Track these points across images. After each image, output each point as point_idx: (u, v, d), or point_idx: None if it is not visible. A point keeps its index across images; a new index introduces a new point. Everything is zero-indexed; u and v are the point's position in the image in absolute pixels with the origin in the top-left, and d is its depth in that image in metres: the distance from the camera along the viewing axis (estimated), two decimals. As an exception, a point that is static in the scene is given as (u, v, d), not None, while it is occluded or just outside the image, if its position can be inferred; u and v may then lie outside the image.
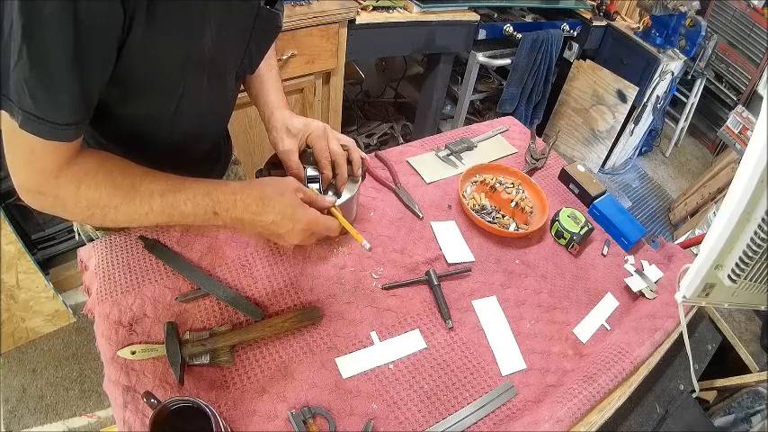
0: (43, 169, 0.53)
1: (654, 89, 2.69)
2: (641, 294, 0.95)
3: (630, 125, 2.82)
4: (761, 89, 3.02)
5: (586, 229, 1.01)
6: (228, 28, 0.65)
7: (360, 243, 0.72)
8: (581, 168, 1.17)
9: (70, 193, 0.56)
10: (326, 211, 0.74)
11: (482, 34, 2.16)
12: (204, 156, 0.89)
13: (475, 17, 2.08)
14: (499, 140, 1.28)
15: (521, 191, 1.07)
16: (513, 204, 1.04)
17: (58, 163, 0.54)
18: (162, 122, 0.71)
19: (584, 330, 0.88)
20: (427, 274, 0.88)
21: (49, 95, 0.48)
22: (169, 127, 0.73)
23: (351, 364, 0.75)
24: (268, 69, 0.86)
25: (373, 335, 0.79)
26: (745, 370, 0.96)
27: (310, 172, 0.79)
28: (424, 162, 1.14)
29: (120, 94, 0.60)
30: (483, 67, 2.35)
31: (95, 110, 0.57)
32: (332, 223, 0.72)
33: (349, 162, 0.82)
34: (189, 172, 0.67)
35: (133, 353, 0.69)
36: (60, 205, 0.57)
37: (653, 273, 0.99)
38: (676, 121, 3.39)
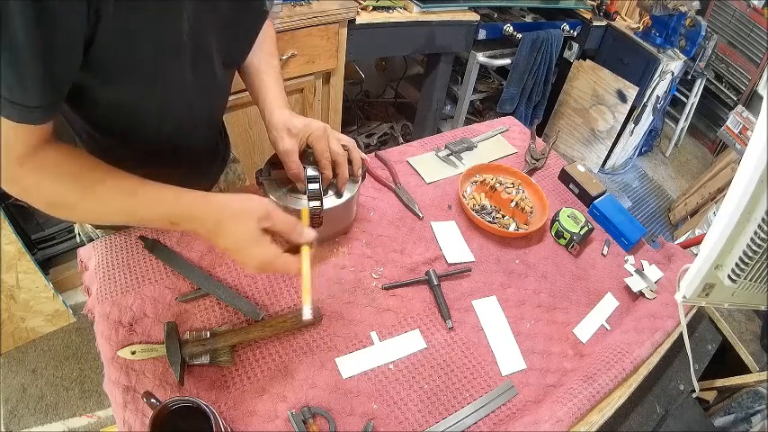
0: (9, 154, 0.53)
1: (654, 89, 2.69)
2: (641, 294, 0.95)
3: (630, 125, 2.82)
4: (761, 89, 3.02)
5: (586, 229, 1.01)
6: (207, 13, 0.64)
7: (303, 307, 0.63)
8: (581, 168, 1.17)
9: (32, 184, 0.56)
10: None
11: (482, 34, 2.16)
12: (201, 153, 0.89)
13: (475, 17, 2.08)
14: (499, 140, 1.28)
15: (521, 191, 1.07)
16: (513, 204, 1.04)
17: (23, 149, 0.54)
18: (149, 111, 0.70)
19: (584, 330, 0.88)
20: (427, 274, 0.88)
21: (18, 79, 0.49)
22: (158, 116, 0.72)
23: (351, 364, 0.75)
24: (269, 68, 0.85)
25: (373, 335, 0.79)
26: (745, 370, 0.96)
27: (310, 172, 0.79)
28: (424, 162, 1.14)
29: (99, 80, 0.60)
30: (483, 67, 2.35)
31: (84, 99, 0.58)
32: (290, 267, 0.64)
33: (349, 162, 0.82)
34: (187, 169, 0.67)
35: (133, 353, 0.69)
36: (26, 196, 0.57)
37: (653, 273, 0.99)
38: (676, 121, 3.39)
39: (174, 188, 0.61)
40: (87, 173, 0.59)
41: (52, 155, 0.57)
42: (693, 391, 0.88)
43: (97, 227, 0.91)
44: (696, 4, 2.51)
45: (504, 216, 1.03)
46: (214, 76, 0.75)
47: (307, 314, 0.63)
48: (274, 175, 0.81)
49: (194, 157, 0.87)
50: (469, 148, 1.22)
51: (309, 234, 0.66)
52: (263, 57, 0.85)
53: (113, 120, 0.70)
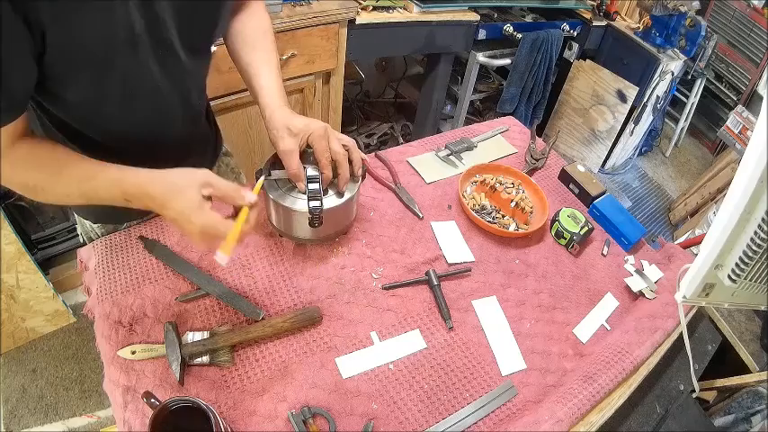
0: None
1: (654, 89, 2.69)
2: (641, 294, 0.95)
3: (630, 125, 2.82)
4: (761, 89, 3.02)
5: (586, 229, 1.01)
6: (157, 3, 0.65)
7: (219, 252, 0.63)
8: (581, 168, 1.17)
9: (8, 174, 0.63)
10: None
11: (482, 34, 2.16)
12: (187, 143, 0.88)
13: (475, 17, 2.08)
14: (499, 140, 1.28)
15: (521, 191, 1.07)
16: (513, 204, 1.04)
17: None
18: (117, 104, 0.71)
19: (584, 330, 0.88)
20: (427, 274, 0.88)
21: None
22: (128, 108, 0.73)
23: (351, 364, 0.75)
24: (268, 67, 0.84)
25: (373, 335, 0.79)
26: (745, 370, 0.97)
27: (310, 172, 0.79)
28: (424, 162, 1.14)
29: (60, 83, 0.63)
30: (483, 67, 2.35)
31: (54, 98, 0.65)
32: (231, 231, 0.64)
33: (349, 162, 0.82)
34: (174, 161, 0.69)
35: (133, 353, 0.69)
36: (7, 183, 0.64)
37: (653, 273, 0.99)
38: (676, 121, 3.39)
39: (127, 168, 0.65)
40: (51, 161, 0.65)
41: (22, 148, 0.63)
42: (693, 391, 0.88)
43: (95, 222, 0.91)
44: (696, 4, 2.51)
45: (504, 216, 1.03)
46: (181, 64, 0.75)
47: (220, 259, 0.63)
48: (274, 175, 0.81)
49: (181, 146, 0.86)
50: (469, 148, 1.22)
51: (250, 197, 0.68)
52: (261, 55, 0.84)
53: (87, 116, 0.71)
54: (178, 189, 0.64)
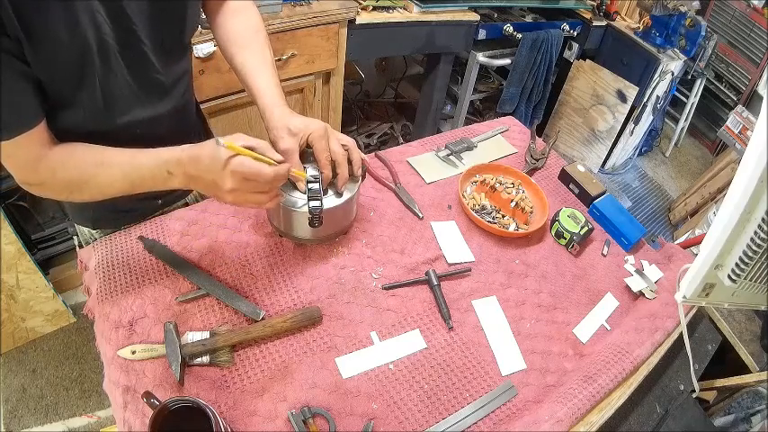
0: (21, 165, 0.65)
1: (654, 89, 2.69)
2: (641, 294, 0.95)
3: (630, 125, 2.82)
4: (761, 89, 3.02)
5: (586, 229, 1.01)
6: (122, 12, 0.65)
7: (221, 138, 0.66)
8: (581, 168, 1.17)
9: (50, 178, 0.67)
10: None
11: (482, 34, 2.16)
12: (179, 137, 0.87)
13: (475, 17, 2.09)
14: (499, 140, 1.28)
15: (521, 191, 1.07)
16: (513, 204, 1.04)
17: (31, 158, 0.64)
18: (98, 114, 0.72)
19: (584, 330, 0.88)
20: (427, 274, 0.88)
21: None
22: (109, 115, 0.73)
23: (351, 364, 0.75)
24: (263, 66, 0.83)
25: (373, 335, 0.79)
26: (745, 370, 0.97)
27: (310, 171, 0.79)
28: (424, 162, 1.14)
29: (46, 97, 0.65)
30: (483, 67, 2.35)
31: (60, 122, 0.68)
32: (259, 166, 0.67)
33: (349, 162, 0.82)
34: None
35: (133, 353, 0.69)
36: (47, 190, 0.69)
37: (653, 273, 0.99)
38: (676, 121, 3.39)
39: (162, 148, 0.69)
40: (89, 155, 0.68)
41: (57, 153, 0.66)
42: (693, 391, 0.89)
43: (93, 228, 0.91)
44: (696, 4, 2.51)
45: (504, 216, 1.03)
46: (150, 67, 0.75)
47: (219, 141, 0.65)
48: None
49: (174, 140, 0.86)
50: (469, 148, 1.22)
51: (279, 156, 0.72)
52: (255, 54, 0.84)
53: (72, 127, 0.71)
54: (209, 143, 0.66)
